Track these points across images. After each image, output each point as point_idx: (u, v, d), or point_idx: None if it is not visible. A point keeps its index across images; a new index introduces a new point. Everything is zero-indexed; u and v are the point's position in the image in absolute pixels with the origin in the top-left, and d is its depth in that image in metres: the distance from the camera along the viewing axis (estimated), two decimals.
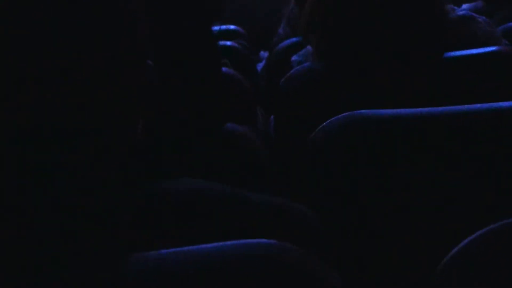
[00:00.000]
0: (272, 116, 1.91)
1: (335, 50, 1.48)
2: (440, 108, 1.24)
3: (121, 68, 0.66)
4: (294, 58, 1.75)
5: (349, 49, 1.46)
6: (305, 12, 1.55)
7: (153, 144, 0.97)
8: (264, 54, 3.47)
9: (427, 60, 1.47)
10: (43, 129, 0.61)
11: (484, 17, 1.68)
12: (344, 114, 1.21)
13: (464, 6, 2.59)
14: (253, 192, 0.75)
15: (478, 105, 1.25)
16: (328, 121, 1.21)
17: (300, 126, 1.41)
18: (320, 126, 1.21)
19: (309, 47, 1.70)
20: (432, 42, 1.48)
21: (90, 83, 0.63)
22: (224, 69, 1.68)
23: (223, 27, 2.91)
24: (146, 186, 0.70)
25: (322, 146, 1.20)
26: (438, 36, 1.49)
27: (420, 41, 1.47)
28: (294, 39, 2.34)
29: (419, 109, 1.24)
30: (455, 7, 1.78)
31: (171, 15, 1.04)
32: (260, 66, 3.00)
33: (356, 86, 1.45)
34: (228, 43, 2.45)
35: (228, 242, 0.62)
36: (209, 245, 0.61)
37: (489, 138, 1.22)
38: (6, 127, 0.61)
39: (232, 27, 3.08)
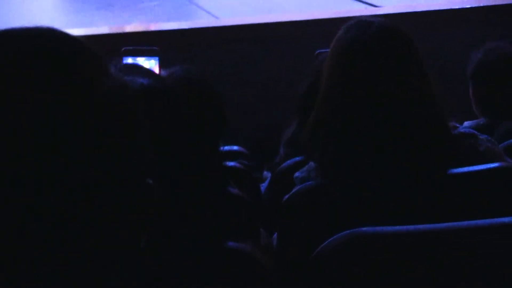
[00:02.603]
0: (275, 234, 1.91)
1: (338, 167, 1.49)
2: (442, 225, 1.24)
3: (122, 187, 0.67)
4: (297, 174, 1.77)
5: (352, 165, 1.47)
6: (308, 130, 1.58)
7: (156, 259, 0.97)
8: (267, 174, 3.49)
9: (431, 176, 1.48)
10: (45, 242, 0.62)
11: (486, 136, 1.71)
12: (346, 232, 1.22)
13: (466, 123, 2.62)
14: None
15: (481, 221, 1.25)
16: (331, 239, 1.22)
17: (303, 243, 1.41)
18: (323, 244, 1.22)
19: (311, 163, 1.71)
20: (437, 158, 1.50)
21: (92, 199, 0.64)
22: (228, 189, 1.69)
23: (227, 147, 2.95)
24: None
25: (324, 263, 1.20)
26: (442, 153, 1.50)
27: (425, 157, 1.48)
28: (297, 159, 2.36)
29: (421, 226, 1.24)
30: (458, 124, 1.81)
31: (177, 136, 1.05)
32: (263, 186, 3.01)
33: (359, 203, 1.45)
34: (232, 163, 2.47)
35: None
36: None
37: (493, 254, 1.22)
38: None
39: (235, 147, 3.11)
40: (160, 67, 2.44)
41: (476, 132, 1.68)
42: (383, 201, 1.45)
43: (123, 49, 2.39)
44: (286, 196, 1.50)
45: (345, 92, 1.52)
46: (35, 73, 0.65)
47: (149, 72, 1.15)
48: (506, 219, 1.25)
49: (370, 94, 1.50)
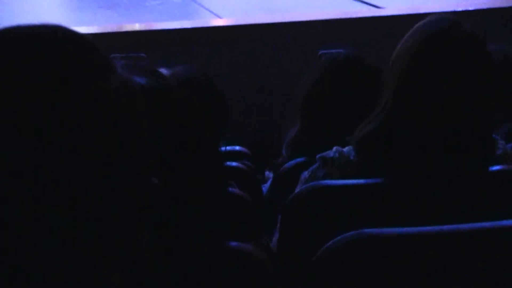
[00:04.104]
0: (274, 238, 1.90)
1: (393, 164, 1.47)
2: (449, 227, 1.24)
3: (126, 186, 0.67)
4: (304, 174, 1.74)
5: (407, 163, 1.46)
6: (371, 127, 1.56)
7: (157, 259, 0.97)
8: (269, 174, 3.49)
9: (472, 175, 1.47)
10: (48, 231, 0.62)
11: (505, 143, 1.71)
12: (350, 233, 1.21)
13: None
14: None
15: (487, 224, 1.25)
16: (334, 239, 1.21)
17: (306, 244, 1.40)
18: (326, 245, 1.21)
19: (316, 165, 1.70)
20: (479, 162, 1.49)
21: (96, 198, 0.64)
22: (229, 189, 1.69)
23: (229, 148, 2.94)
24: None
25: (327, 265, 1.20)
26: (485, 158, 1.50)
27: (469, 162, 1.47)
28: (299, 159, 2.36)
29: (426, 228, 1.24)
30: None
31: (178, 136, 1.05)
32: (265, 186, 3.01)
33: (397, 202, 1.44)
34: (234, 163, 2.47)
35: None
36: None
37: (498, 257, 1.21)
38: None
39: (237, 148, 3.11)
40: None
41: (497, 136, 1.67)
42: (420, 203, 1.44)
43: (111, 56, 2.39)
44: (290, 196, 1.50)
45: (418, 94, 1.49)
46: (42, 71, 0.65)
47: (150, 71, 1.14)
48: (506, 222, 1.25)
49: (441, 98, 1.48)
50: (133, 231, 0.68)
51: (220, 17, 5.15)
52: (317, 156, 1.67)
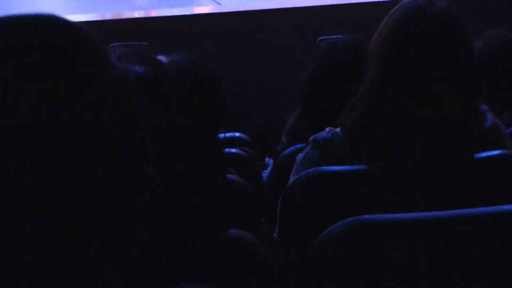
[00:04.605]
0: (277, 222, 1.90)
1: (376, 148, 1.47)
2: (443, 213, 1.24)
3: (126, 184, 0.67)
4: (299, 157, 1.74)
5: (390, 147, 1.46)
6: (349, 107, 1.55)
7: (157, 249, 0.97)
8: (269, 160, 3.49)
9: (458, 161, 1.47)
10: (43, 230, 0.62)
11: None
12: (347, 219, 1.21)
13: None
14: None
15: (480, 209, 1.25)
16: (332, 226, 1.21)
17: (306, 230, 1.40)
18: (324, 232, 1.22)
19: (307, 149, 1.69)
20: (466, 145, 1.48)
21: (93, 190, 0.64)
22: (229, 176, 1.69)
23: (228, 134, 2.94)
24: None
25: (325, 251, 1.20)
26: (473, 141, 1.49)
27: (455, 145, 1.47)
28: (299, 146, 2.36)
29: (424, 213, 1.24)
30: None
31: (177, 124, 1.05)
32: (265, 173, 3.01)
33: (379, 188, 1.44)
34: (233, 150, 2.47)
35: None
36: None
37: (494, 243, 1.22)
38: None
39: (237, 134, 3.11)
40: None
41: (484, 107, 1.67)
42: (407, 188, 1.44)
43: (110, 45, 2.38)
44: (290, 181, 1.50)
45: (399, 74, 1.48)
46: (35, 62, 0.64)
47: (149, 59, 1.14)
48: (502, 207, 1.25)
49: (423, 78, 1.47)
50: (133, 230, 0.68)
51: (219, 4, 5.14)
52: (310, 138, 1.67)
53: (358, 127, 1.51)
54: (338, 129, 1.61)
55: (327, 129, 1.64)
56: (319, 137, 1.64)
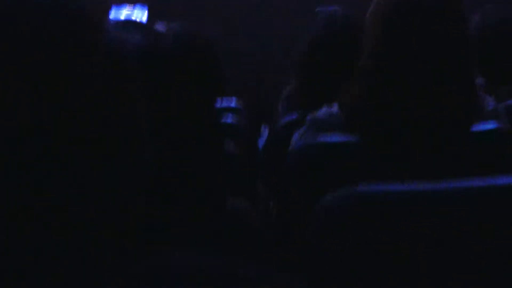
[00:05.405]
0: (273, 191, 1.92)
1: (372, 120, 1.48)
2: (440, 184, 1.25)
3: (120, 148, 0.66)
4: (295, 137, 1.75)
5: (386, 120, 1.46)
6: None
7: (155, 219, 0.97)
8: (265, 128, 3.50)
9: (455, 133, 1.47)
10: (41, 210, 0.62)
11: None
12: (341, 189, 1.22)
13: None
14: (253, 267, 0.75)
15: (477, 182, 1.26)
16: (326, 195, 1.22)
17: (303, 200, 1.41)
18: (320, 201, 1.23)
19: (304, 129, 1.69)
20: (463, 117, 1.49)
21: (89, 162, 0.64)
22: (225, 146, 1.70)
23: (224, 104, 2.95)
24: (150, 257, 0.70)
25: (321, 220, 1.21)
26: (469, 112, 1.50)
27: (452, 115, 1.47)
28: (293, 116, 2.37)
29: (420, 185, 1.25)
30: None
31: (172, 95, 1.05)
32: (261, 141, 3.02)
33: (377, 159, 1.45)
34: (229, 120, 2.47)
35: None
36: None
37: (490, 215, 1.23)
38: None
39: (233, 104, 3.11)
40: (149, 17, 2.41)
41: (480, 81, 1.67)
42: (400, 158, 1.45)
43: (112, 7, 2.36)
44: (288, 152, 1.50)
45: (392, 48, 1.48)
46: (28, 35, 0.62)
47: (147, 29, 1.13)
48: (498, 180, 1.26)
49: (417, 52, 1.47)
50: (133, 228, 0.68)
51: None
52: (307, 117, 1.68)
53: (357, 108, 1.52)
54: (333, 109, 1.62)
55: (323, 109, 1.64)
56: (316, 118, 1.65)
